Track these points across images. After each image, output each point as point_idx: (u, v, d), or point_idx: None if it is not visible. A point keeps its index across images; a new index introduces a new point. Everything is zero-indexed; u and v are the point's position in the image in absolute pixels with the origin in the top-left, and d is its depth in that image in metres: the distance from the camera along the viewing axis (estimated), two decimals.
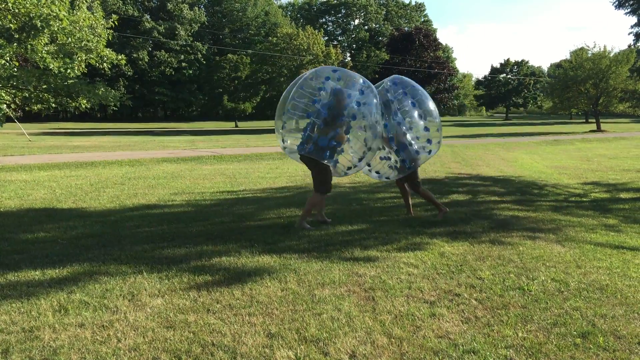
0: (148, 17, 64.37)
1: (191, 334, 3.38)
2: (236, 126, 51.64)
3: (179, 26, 64.26)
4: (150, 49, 62.38)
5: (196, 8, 68.12)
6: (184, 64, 64.99)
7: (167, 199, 8.76)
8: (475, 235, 6.13)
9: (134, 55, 58.15)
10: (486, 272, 4.68)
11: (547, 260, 5.13)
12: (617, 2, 11.04)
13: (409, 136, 6.81)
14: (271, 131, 40.31)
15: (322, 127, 6.15)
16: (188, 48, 65.34)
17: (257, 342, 3.27)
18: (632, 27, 11.64)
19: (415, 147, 6.86)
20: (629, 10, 11.11)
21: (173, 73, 63.90)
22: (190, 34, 66.46)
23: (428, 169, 13.17)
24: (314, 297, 4.03)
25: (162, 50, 62.56)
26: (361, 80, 6.48)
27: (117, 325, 3.51)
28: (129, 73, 56.17)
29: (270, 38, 46.89)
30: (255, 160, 16.00)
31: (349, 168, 6.62)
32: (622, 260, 5.23)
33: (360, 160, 6.50)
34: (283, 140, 6.78)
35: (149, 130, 41.51)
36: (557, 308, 3.87)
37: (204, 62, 66.33)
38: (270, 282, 4.33)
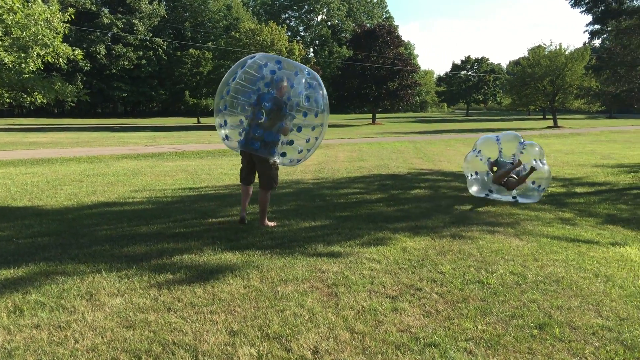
0: (106, 10, 62.95)
1: (151, 333, 3.33)
2: (198, 122, 51.01)
3: (137, 21, 63.02)
4: (109, 43, 60.99)
5: (155, 2, 66.94)
6: (143, 60, 63.81)
7: (127, 196, 8.60)
8: (437, 230, 6.22)
9: (92, 49, 56.80)
10: (447, 266, 4.76)
11: (506, 253, 5.24)
12: (572, 1, 11.31)
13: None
14: None
15: (266, 121, 6.00)
16: (148, 42, 64.17)
17: (219, 340, 3.25)
18: (587, 25, 11.92)
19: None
20: (584, 8, 11.39)
21: (133, 68, 62.67)
22: (149, 28, 65.28)
23: (390, 165, 13.29)
24: (276, 293, 4.02)
25: (121, 45, 61.25)
26: (306, 71, 6.25)
27: (74, 326, 3.43)
28: (86, 68, 54.84)
29: (233, 33, 46.43)
30: (218, 157, 15.85)
31: (299, 160, 6.40)
32: (577, 253, 5.38)
33: (308, 150, 6.30)
34: (226, 136, 6.48)
35: (108, 126, 40.66)
36: (515, 300, 3.96)
37: (165, 56, 65.28)
38: (233, 280, 4.30)
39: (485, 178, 8.72)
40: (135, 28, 62.35)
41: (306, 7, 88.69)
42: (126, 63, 61.35)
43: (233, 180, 10.59)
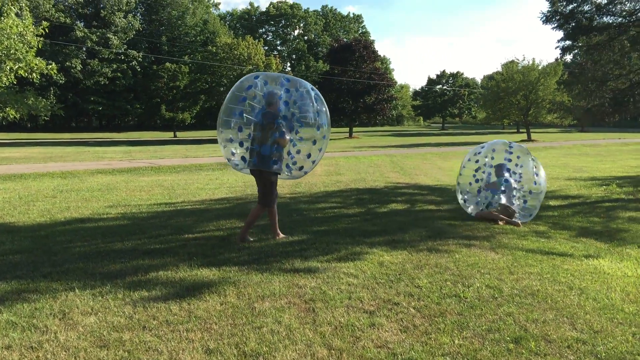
0: (81, 24, 62.40)
1: (126, 352, 3.28)
2: (175, 136, 50.70)
3: (112, 35, 62.57)
4: (84, 56, 60.39)
5: (130, 15, 66.59)
6: (119, 73, 63.30)
7: (101, 212, 8.49)
8: (414, 244, 6.24)
9: (67, 63, 56.22)
10: (424, 281, 4.77)
11: (482, 267, 5.28)
12: (544, 18, 11.56)
13: None
14: (211, 141, 39.82)
15: (259, 136, 6.08)
16: (123, 56, 63.73)
17: (195, 359, 3.20)
18: (558, 41, 12.20)
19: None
20: (555, 25, 11.65)
21: (108, 82, 62.10)
22: (124, 41, 64.85)
23: (367, 179, 13.34)
24: (253, 310, 3.99)
25: (96, 59, 60.70)
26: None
27: (46, 346, 3.36)
28: (61, 81, 54.20)
29: (209, 47, 46.40)
30: (195, 171, 15.75)
31: (301, 168, 6.53)
32: (551, 265, 5.44)
33: (308, 157, 6.42)
34: (232, 153, 6.53)
35: (82, 141, 40.18)
36: (492, 314, 3.99)
37: (141, 70, 64.87)
38: (209, 296, 4.26)
39: (477, 198, 8.49)
40: (110, 42, 61.90)
41: (283, 21, 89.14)
42: (101, 79, 60.77)
43: (210, 195, 10.52)
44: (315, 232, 6.92)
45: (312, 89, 6.35)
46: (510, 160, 8.40)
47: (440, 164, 19.89)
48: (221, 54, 42.70)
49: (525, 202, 8.21)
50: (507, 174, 8.19)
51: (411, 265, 5.28)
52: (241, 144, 6.34)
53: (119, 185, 12.19)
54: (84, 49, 59.75)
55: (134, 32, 66.43)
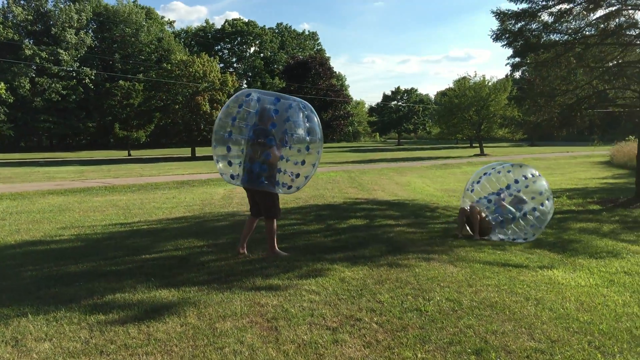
0: (30, 42, 60.85)
1: None
2: (129, 155, 49.77)
3: (63, 52, 61.24)
4: (32, 75, 58.80)
5: (82, 32, 65.38)
6: (70, 91, 61.88)
7: (53, 234, 8.23)
8: (374, 259, 6.27)
9: (16, 83, 54.65)
10: (385, 295, 4.80)
11: (442, 280, 5.34)
12: (494, 35, 11.92)
13: None
14: (167, 159, 39.27)
15: (250, 153, 6.10)
16: (74, 74, 62.42)
17: None
18: (508, 58, 12.60)
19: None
20: (505, 42, 12.02)
21: (59, 99, 60.57)
22: (76, 59, 63.56)
23: (326, 195, 13.38)
24: (215, 330, 3.92)
25: (45, 76, 59.18)
26: (302, 104, 6.32)
27: None
28: (9, 100, 52.60)
29: (164, 64, 45.89)
30: (151, 190, 15.46)
31: (289, 187, 6.45)
32: (508, 277, 5.56)
33: (297, 176, 6.37)
34: (222, 168, 6.54)
35: (33, 161, 38.99)
36: (452, 327, 4.03)
37: (93, 88, 63.61)
38: (169, 318, 4.17)
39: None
40: (61, 58, 60.52)
41: (239, 39, 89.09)
42: (53, 95, 59.23)
43: (166, 214, 10.35)
44: None
45: (304, 107, 6.27)
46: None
47: (397, 179, 20.14)
48: (176, 72, 42.26)
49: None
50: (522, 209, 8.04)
51: (372, 281, 5.30)
52: (229, 163, 6.40)
53: (71, 206, 11.86)
54: (34, 67, 58.25)
55: (85, 49, 65.19)
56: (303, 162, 6.31)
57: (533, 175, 8.22)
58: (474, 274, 5.63)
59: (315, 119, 6.28)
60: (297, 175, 6.36)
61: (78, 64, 63.52)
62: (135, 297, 4.74)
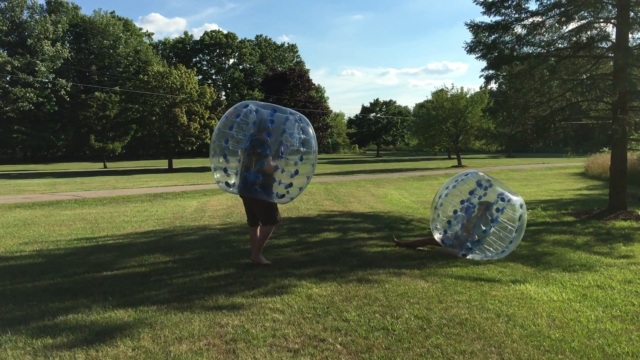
0: (4, 52, 59.82)
1: None
2: (105, 167, 49.09)
3: (39, 62, 60.31)
4: (6, 85, 57.71)
5: (59, 44, 64.51)
6: (45, 101, 60.90)
7: (14, 250, 7.92)
8: (344, 274, 6.10)
9: None
10: (352, 313, 4.62)
11: (411, 296, 5.18)
12: (468, 48, 11.92)
13: None
14: (143, 172, 38.76)
15: (246, 162, 6.22)
16: (50, 84, 61.51)
17: None
18: (482, 70, 12.61)
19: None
20: (479, 55, 12.02)
21: (32, 109, 59.41)
22: (52, 70, 62.66)
23: (301, 207, 13.18)
24: (168, 354, 3.69)
25: (19, 86, 58.11)
26: (297, 115, 6.46)
27: None
28: None
29: (141, 76, 45.41)
30: (122, 203, 15.12)
31: (282, 196, 6.46)
32: (480, 292, 5.42)
33: (291, 186, 6.38)
34: (219, 177, 6.57)
35: (4, 173, 38.12)
36: (419, 347, 3.87)
37: (69, 99, 62.72)
38: (121, 341, 3.93)
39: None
40: (37, 68, 59.60)
41: (218, 50, 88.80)
42: (25, 103, 58.09)
43: (135, 229, 10.07)
44: (243, 265, 6.66)
45: (300, 119, 6.38)
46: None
47: (374, 190, 20.03)
48: (153, 83, 41.85)
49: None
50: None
51: (340, 298, 5.12)
52: (225, 171, 6.42)
53: (38, 220, 11.50)
54: (8, 77, 57.27)
55: (62, 61, 64.31)
56: (297, 172, 6.37)
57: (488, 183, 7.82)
58: (445, 289, 5.48)
59: (311, 132, 6.44)
60: (290, 185, 6.39)
61: (54, 75, 62.59)
62: (89, 317, 4.50)
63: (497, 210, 7.52)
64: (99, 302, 4.93)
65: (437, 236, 7.71)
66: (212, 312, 4.62)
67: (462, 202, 7.73)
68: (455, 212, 7.76)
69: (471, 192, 7.70)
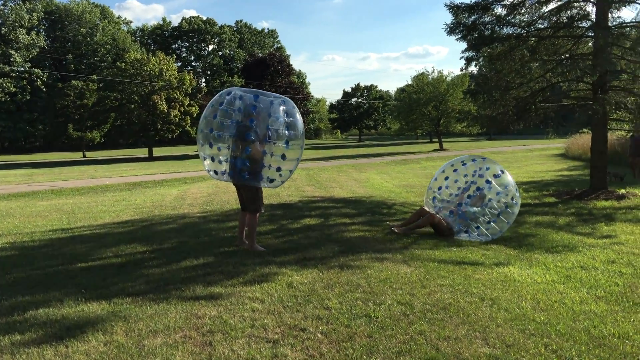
0: None
1: None
2: (84, 156, 48.39)
3: (14, 52, 58.96)
4: None
5: (34, 32, 63.07)
6: (21, 91, 59.64)
7: None
8: (325, 261, 5.98)
9: None
10: (334, 301, 4.50)
11: (394, 282, 5.08)
12: (448, 29, 11.77)
13: None
14: (123, 160, 38.26)
15: (234, 149, 6.25)
16: (26, 74, 60.23)
17: None
18: (462, 52, 12.48)
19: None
20: (459, 36, 11.88)
21: (9, 100, 58.26)
22: (27, 59, 61.31)
23: (282, 193, 13.03)
24: (142, 349, 3.55)
25: None
26: (282, 99, 6.46)
27: None
28: None
29: (118, 63, 44.61)
30: (100, 193, 14.85)
31: (273, 180, 6.49)
32: (463, 276, 5.34)
33: (279, 170, 6.38)
34: (208, 165, 6.60)
35: None
36: (403, 334, 3.76)
37: (45, 89, 61.51)
38: (93, 336, 3.77)
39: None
40: (12, 59, 58.29)
41: (197, 37, 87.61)
42: (1, 95, 56.88)
43: (113, 218, 9.85)
44: (222, 253, 6.50)
45: (284, 102, 6.37)
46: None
47: (356, 175, 19.92)
48: (131, 70, 41.17)
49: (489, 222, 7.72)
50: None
51: (321, 285, 5.00)
52: (213, 159, 6.46)
53: (13, 211, 11.22)
54: None
55: (38, 50, 62.92)
56: (284, 157, 6.33)
57: (502, 172, 8.02)
58: (428, 274, 5.39)
59: (297, 115, 6.41)
60: (279, 169, 6.39)
61: (30, 64, 61.28)
62: (60, 312, 4.32)
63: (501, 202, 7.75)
64: (72, 296, 4.76)
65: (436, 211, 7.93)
66: (189, 303, 4.47)
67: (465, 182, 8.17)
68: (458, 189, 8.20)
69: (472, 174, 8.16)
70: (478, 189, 7.92)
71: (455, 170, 8.38)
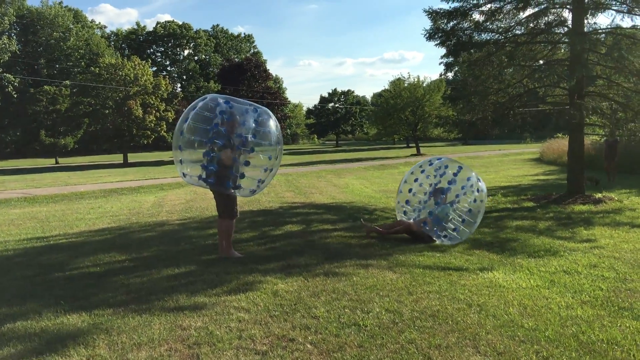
0: None
1: None
2: (57, 163, 47.53)
3: None
4: None
5: (5, 36, 61.87)
6: None
7: None
8: (310, 268, 5.91)
9: None
10: (321, 309, 4.43)
11: (381, 289, 5.04)
12: (427, 34, 11.85)
13: None
14: (97, 167, 37.66)
15: (208, 155, 6.21)
16: None
17: None
18: (441, 57, 12.56)
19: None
20: (438, 42, 11.96)
21: None
22: None
23: (262, 200, 12.92)
24: None
25: None
26: (252, 107, 6.44)
27: None
28: None
29: (92, 68, 43.93)
30: (75, 200, 14.55)
31: (253, 191, 6.52)
32: (449, 282, 5.32)
33: (243, 176, 6.29)
34: (183, 171, 6.50)
35: None
36: (393, 343, 3.71)
37: (16, 94, 60.30)
38: (74, 350, 3.64)
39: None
40: None
41: (172, 41, 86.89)
42: None
43: (89, 226, 9.64)
44: (204, 261, 6.39)
45: (256, 110, 6.35)
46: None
47: (335, 181, 19.90)
48: (105, 75, 40.59)
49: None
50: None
51: (307, 293, 4.93)
52: (183, 162, 6.38)
53: None
54: None
55: (9, 54, 61.68)
56: (254, 165, 6.34)
57: (461, 167, 8.11)
58: (414, 280, 5.36)
59: (272, 124, 6.38)
60: (243, 176, 6.31)
61: (1, 69, 60.03)
62: (39, 324, 4.18)
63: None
64: (50, 307, 4.61)
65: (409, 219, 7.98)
66: (173, 314, 4.36)
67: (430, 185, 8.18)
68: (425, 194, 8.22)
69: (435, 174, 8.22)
70: (442, 189, 7.93)
71: (416, 180, 8.40)
